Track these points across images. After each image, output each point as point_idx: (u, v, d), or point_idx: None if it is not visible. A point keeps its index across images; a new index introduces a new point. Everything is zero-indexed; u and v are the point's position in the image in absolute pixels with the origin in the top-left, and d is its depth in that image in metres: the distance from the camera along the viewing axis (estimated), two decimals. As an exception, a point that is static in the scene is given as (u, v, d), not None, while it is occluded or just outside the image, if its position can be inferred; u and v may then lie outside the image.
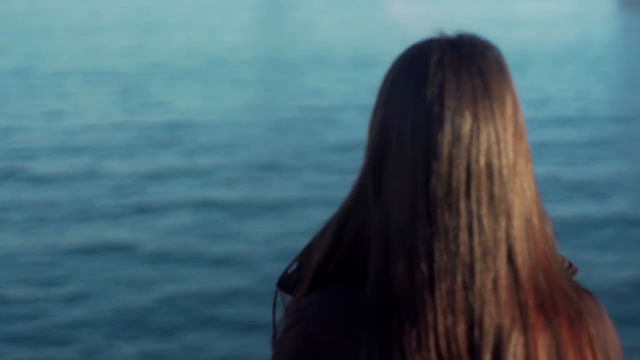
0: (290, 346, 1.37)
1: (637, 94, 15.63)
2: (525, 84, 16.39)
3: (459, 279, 1.31)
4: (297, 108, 14.30)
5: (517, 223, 1.35)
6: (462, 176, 1.32)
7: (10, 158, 11.19)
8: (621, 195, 9.53)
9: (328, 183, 10.00)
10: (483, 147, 1.33)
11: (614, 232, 8.32)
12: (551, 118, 13.42)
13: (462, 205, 1.32)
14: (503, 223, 1.33)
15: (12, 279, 7.25)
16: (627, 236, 8.21)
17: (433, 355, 1.28)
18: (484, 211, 1.32)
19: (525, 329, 1.32)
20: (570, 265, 1.47)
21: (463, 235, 1.31)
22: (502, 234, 1.33)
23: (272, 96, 15.50)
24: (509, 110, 1.35)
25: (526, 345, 1.32)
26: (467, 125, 1.33)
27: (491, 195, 1.33)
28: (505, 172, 1.34)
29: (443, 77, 1.35)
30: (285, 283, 1.47)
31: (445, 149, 1.33)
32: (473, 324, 1.30)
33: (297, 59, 20.02)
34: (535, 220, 1.38)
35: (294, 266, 1.53)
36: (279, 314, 1.47)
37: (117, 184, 10.00)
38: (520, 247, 1.34)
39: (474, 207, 1.32)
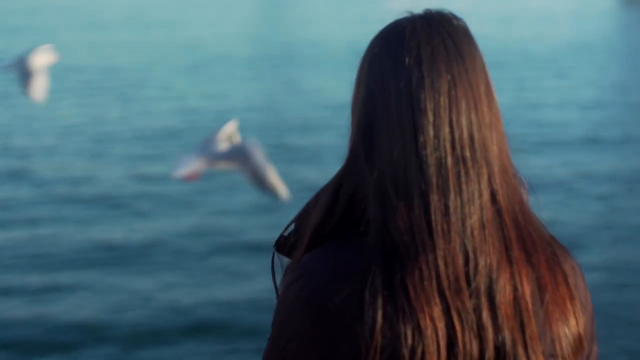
0: (294, 300, 1.45)
1: (638, 93, 15.59)
2: (526, 82, 16.34)
3: (453, 219, 1.44)
4: (297, 105, 14.26)
5: (497, 169, 1.49)
6: (446, 129, 1.46)
7: (10, 157, 11.16)
8: (617, 195, 9.49)
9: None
10: (462, 102, 1.47)
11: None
12: (551, 116, 13.38)
13: (449, 156, 1.46)
14: (485, 169, 1.48)
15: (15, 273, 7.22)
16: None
17: (435, 289, 1.41)
18: (468, 159, 1.47)
19: (511, 262, 1.46)
20: (551, 235, 1.61)
21: (452, 182, 1.45)
22: (485, 178, 1.47)
23: (272, 93, 15.46)
24: (479, 69, 1.51)
25: (512, 277, 1.45)
26: (445, 82, 1.47)
27: (472, 146, 1.47)
28: (482, 125, 1.48)
29: (418, 42, 1.49)
30: (283, 245, 1.57)
31: (428, 106, 1.46)
32: (468, 259, 1.43)
33: (296, 55, 19.99)
34: (509, 168, 1.52)
35: (290, 229, 1.60)
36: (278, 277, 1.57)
37: (113, 183, 9.98)
38: (501, 190, 1.49)
39: (459, 158, 1.46)
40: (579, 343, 1.51)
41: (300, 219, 1.58)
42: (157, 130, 12.51)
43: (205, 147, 4.38)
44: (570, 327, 1.50)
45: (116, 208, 9.03)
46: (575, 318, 1.51)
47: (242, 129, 12.84)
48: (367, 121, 1.51)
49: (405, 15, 1.56)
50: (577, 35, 23.31)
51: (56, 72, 17.14)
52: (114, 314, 6.51)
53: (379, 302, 1.40)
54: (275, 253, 1.59)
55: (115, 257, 7.67)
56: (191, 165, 4.32)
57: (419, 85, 1.47)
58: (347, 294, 1.41)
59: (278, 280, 1.58)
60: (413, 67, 1.48)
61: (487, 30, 23.78)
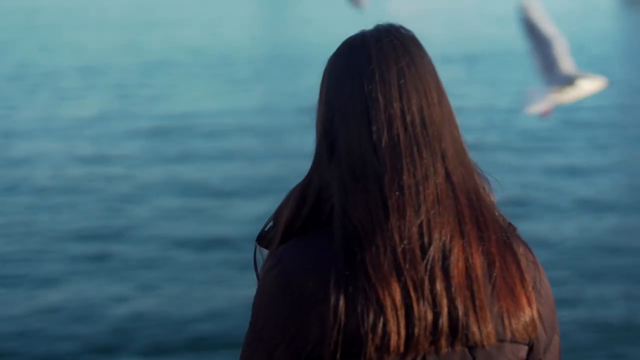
0: (271, 285, 1.61)
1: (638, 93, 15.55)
2: (527, 82, 16.27)
3: (407, 195, 1.56)
4: (298, 108, 14.22)
5: (450, 152, 1.61)
6: (398, 114, 1.59)
7: (9, 161, 11.12)
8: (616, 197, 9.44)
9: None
10: (412, 92, 1.61)
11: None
12: (554, 114, 13.32)
13: (402, 135, 1.59)
14: (438, 150, 1.59)
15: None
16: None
17: (391, 263, 1.53)
18: (420, 141, 1.59)
19: (463, 236, 1.56)
20: (510, 224, 1.71)
21: (406, 160, 1.57)
22: (439, 158, 1.59)
23: (272, 93, 15.41)
24: (427, 66, 1.64)
25: (464, 249, 1.56)
26: (394, 75, 1.61)
27: (424, 126, 1.60)
28: (433, 113, 1.61)
29: (368, 46, 1.64)
30: (263, 239, 1.72)
31: (379, 96, 1.60)
32: (422, 232, 1.55)
33: (297, 56, 19.95)
34: (464, 155, 1.64)
35: (270, 224, 1.75)
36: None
37: (110, 181, 9.93)
38: (454, 169, 1.60)
39: (412, 139, 1.59)
40: (530, 323, 1.59)
41: (276, 216, 1.71)
42: (157, 131, 12.46)
43: (549, 75, 4.34)
44: (520, 306, 1.58)
45: (114, 212, 8.98)
46: (527, 299, 1.59)
47: (243, 128, 12.68)
48: (328, 123, 1.66)
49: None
50: (578, 35, 23.25)
51: (56, 71, 17.00)
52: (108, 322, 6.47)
53: (342, 284, 1.52)
54: (257, 246, 1.73)
55: (108, 260, 7.63)
56: (543, 100, 4.32)
57: (370, 79, 1.61)
58: (316, 280, 1.55)
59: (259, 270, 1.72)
60: (364, 64, 1.62)
61: (490, 30, 23.72)
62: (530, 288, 1.60)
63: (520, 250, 1.64)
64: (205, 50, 20.66)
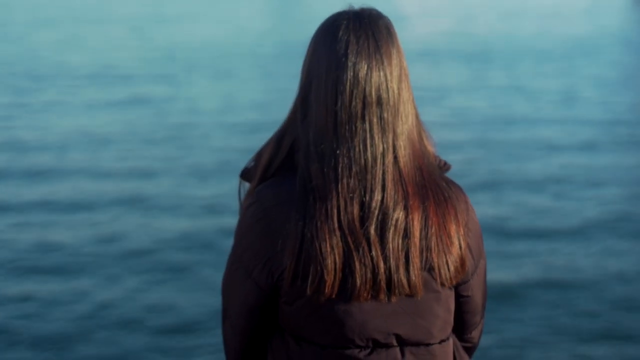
0: (250, 218, 1.97)
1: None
2: (537, 76, 16.16)
3: (355, 172, 1.90)
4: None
5: (402, 137, 1.95)
6: (359, 105, 1.93)
7: (8, 152, 11.03)
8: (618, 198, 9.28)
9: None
10: (375, 85, 1.93)
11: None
12: (562, 110, 13.21)
13: (359, 125, 1.92)
14: (391, 137, 1.94)
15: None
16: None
17: (335, 223, 1.88)
18: (375, 129, 1.93)
19: (406, 208, 1.91)
20: (445, 163, 2.08)
21: (359, 146, 1.91)
22: (389, 145, 1.93)
23: (281, 90, 15.31)
24: (394, 60, 1.96)
25: (406, 218, 1.91)
26: (363, 70, 1.94)
27: (381, 118, 1.93)
28: (391, 101, 1.95)
29: (348, 38, 1.96)
30: (246, 175, 2.08)
31: (347, 86, 1.93)
32: (364, 207, 1.90)
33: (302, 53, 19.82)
34: (415, 136, 1.98)
35: (252, 163, 2.13)
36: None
37: (112, 182, 9.83)
38: (402, 154, 1.94)
39: (367, 127, 1.92)
40: (461, 265, 1.97)
41: (257, 157, 2.07)
42: (165, 129, 12.36)
43: None
44: (452, 255, 1.94)
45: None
46: (459, 245, 1.96)
47: (247, 127, 12.52)
48: (306, 91, 2.00)
49: (346, 9, 2.02)
50: (585, 33, 23.14)
51: (56, 69, 16.82)
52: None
53: (300, 228, 1.88)
54: (241, 181, 2.10)
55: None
56: None
57: (343, 70, 1.93)
58: (285, 217, 1.92)
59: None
60: (341, 54, 1.94)
61: (499, 27, 23.61)
62: (462, 233, 1.97)
63: (461, 202, 2.00)
64: (213, 47, 20.58)
